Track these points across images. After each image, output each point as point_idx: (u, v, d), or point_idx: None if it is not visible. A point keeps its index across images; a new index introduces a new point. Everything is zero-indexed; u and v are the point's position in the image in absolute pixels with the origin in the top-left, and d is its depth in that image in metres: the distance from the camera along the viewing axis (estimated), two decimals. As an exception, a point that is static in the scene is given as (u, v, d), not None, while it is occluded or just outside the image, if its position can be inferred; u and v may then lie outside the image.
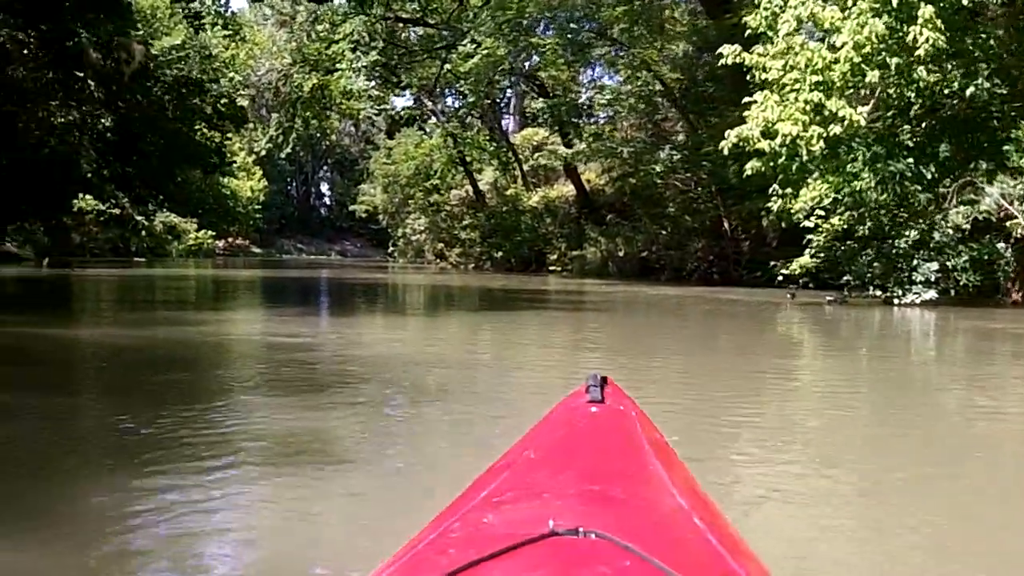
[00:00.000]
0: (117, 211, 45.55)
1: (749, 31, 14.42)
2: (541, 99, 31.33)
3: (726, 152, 13.21)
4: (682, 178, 25.94)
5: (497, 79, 33.58)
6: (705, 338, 11.13)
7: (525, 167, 40.14)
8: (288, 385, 5.65)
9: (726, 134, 13.16)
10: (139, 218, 52.30)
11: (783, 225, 14.96)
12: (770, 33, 14.29)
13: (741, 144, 12.88)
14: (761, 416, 5.36)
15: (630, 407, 1.76)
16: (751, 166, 13.44)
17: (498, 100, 43.49)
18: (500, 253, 35.78)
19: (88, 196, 40.09)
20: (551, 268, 32.42)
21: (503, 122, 45.00)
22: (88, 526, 2.83)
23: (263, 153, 65.30)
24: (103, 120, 22.13)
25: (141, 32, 23.72)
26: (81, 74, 17.56)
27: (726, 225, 23.36)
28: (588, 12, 23.60)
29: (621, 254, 29.25)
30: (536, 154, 40.37)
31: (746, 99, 13.63)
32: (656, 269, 26.74)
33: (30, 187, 29.00)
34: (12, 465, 3.54)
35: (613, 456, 1.53)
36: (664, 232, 26.40)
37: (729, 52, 13.32)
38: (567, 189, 36.83)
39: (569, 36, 25.11)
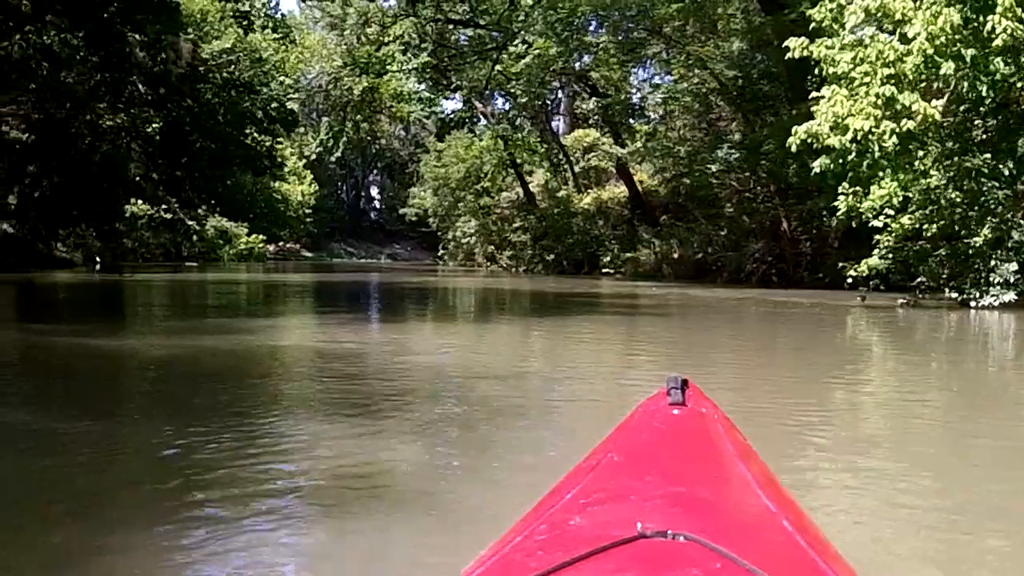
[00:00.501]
0: (168, 216, 46.12)
1: (813, 24, 13.81)
2: (593, 99, 30.72)
3: (794, 148, 12.62)
4: (738, 177, 25.27)
5: (548, 79, 33.16)
6: (774, 343, 10.60)
7: (576, 168, 39.70)
8: (339, 403, 5.23)
9: (793, 130, 12.59)
10: (190, 223, 52.95)
11: (853, 224, 14.29)
12: (835, 26, 13.69)
13: (810, 140, 12.29)
14: (834, 427, 5.03)
15: (712, 409, 1.75)
16: (819, 163, 12.85)
17: (548, 101, 43.11)
18: (552, 256, 35.32)
19: (140, 201, 40.61)
20: (604, 271, 31.89)
21: (553, 123, 44.60)
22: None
23: (313, 157, 65.77)
24: (152, 123, 22.00)
25: (191, 35, 23.64)
26: (128, 75, 17.39)
27: (785, 225, 22.66)
28: (642, 10, 23.01)
29: (675, 256, 28.67)
30: (587, 155, 39.91)
31: (813, 94, 13.04)
32: (712, 271, 26.08)
33: (82, 193, 29.22)
34: (48, 501, 3.20)
35: (697, 458, 1.54)
36: (720, 233, 25.75)
37: (796, 45, 12.72)
38: (619, 190, 36.30)
39: (622, 34, 24.55)
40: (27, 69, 16.81)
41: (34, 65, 16.73)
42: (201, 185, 26.55)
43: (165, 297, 18.61)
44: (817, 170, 12.92)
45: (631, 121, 33.86)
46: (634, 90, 35.98)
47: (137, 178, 24.20)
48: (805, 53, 12.53)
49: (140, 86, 18.36)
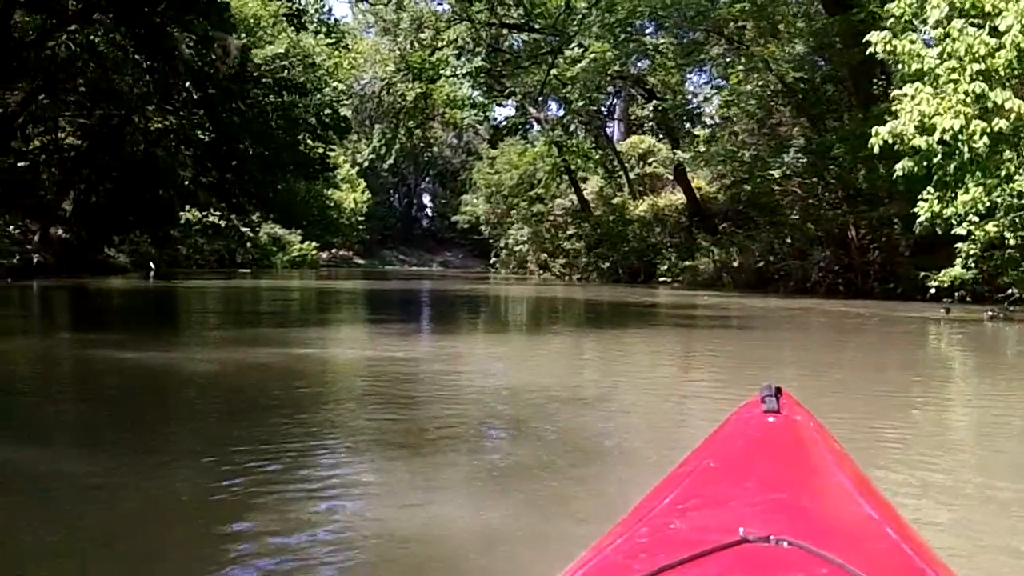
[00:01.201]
0: (222, 223, 46.27)
1: (889, 21, 12.96)
2: (653, 101, 29.92)
3: (876, 149, 11.79)
4: (803, 183, 24.34)
5: (604, 84, 32.47)
6: (856, 357, 9.81)
7: (631, 175, 38.95)
8: (388, 438, 4.51)
9: (874, 131, 11.75)
10: (244, 229, 53.14)
11: (938, 231, 13.37)
12: (915, 21, 12.87)
13: (893, 141, 11.47)
14: (943, 453, 4.47)
15: (807, 418, 1.73)
16: (902, 166, 12.00)
17: (603, 107, 42.43)
18: (606, 264, 34.53)
19: (194, 208, 40.68)
20: (661, 279, 31.05)
21: (608, 129, 43.91)
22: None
23: (366, 164, 65.87)
24: (202, 126, 21.61)
25: (244, 39, 23.37)
26: (176, 75, 17.00)
27: (852, 233, 21.69)
28: (701, 11, 22.18)
29: (735, 264, 27.78)
30: (643, 162, 39.13)
31: (895, 92, 12.21)
32: (774, 280, 25.15)
33: (137, 198, 29.14)
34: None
35: (796, 465, 1.52)
36: (783, 241, 24.82)
37: (879, 39, 11.88)
38: (675, 197, 35.46)
39: (682, 36, 23.74)
40: (74, 70, 16.54)
41: (80, 65, 16.45)
42: (251, 190, 26.19)
43: (216, 304, 18.26)
44: (899, 173, 12.07)
45: (688, 126, 33.04)
46: (691, 95, 35.18)
47: (186, 182, 23.84)
48: (888, 48, 11.64)
49: (187, 85, 17.93)
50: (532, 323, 15.09)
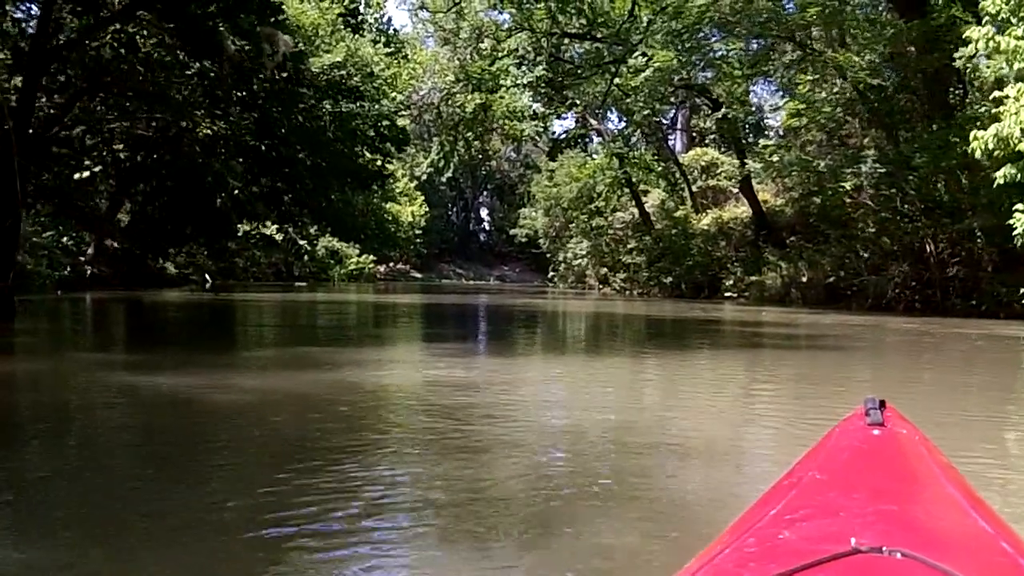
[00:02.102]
0: (279, 235, 46.23)
1: (986, 17, 12.06)
2: (721, 110, 28.99)
3: (978, 155, 10.89)
4: (877, 195, 23.27)
5: (667, 94, 31.63)
6: (948, 378, 8.92)
7: (694, 188, 38.02)
8: (445, 498, 3.63)
9: (974, 135, 10.86)
10: (302, 242, 53.14)
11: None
12: (1013, 20, 11.95)
13: (993, 147, 10.56)
14: None
15: (912, 431, 1.72)
16: (1003, 173, 11.08)
17: (664, 118, 41.59)
18: (669, 278, 33.58)
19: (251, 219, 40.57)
20: (726, 294, 30.06)
21: (669, 141, 43.03)
22: None
23: (424, 177, 65.75)
24: (251, 133, 21.00)
25: (301, 46, 22.98)
26: (222, 75, 16.43)
27: (931, 247, 20.58)
28: (771, 16, 21.22)
29: (804, 279, 26.73)
30: (706, 175, 38.20)
31: (996, 93, 11.29)
32: (846, 296, 24.08)
33: (195, 209, 28.93)
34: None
35: (904, 477, 1.51)
36: (856, 255, 23.73)
37: (980, 35, 10.99)
38: (740, 210, 34.46)
39: (753, 43, 22.79)
40: (119, 71, 16.17)
41: (126, 67, 16.08)
42: (304, 200, 25.66)
43: (269, 319, 17.80)
44: (1000, 180, 11.14)
45: (754, 137, 32.12)
46: (757, 106, 34.24)
47: (236, 191, 23.35)
48: (992, 46, 10.74)
49: (234, 85, 17.37)
50: (593, 341, 14.30)
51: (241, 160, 22.68)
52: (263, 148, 21.49)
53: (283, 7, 15.75)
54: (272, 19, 15.04)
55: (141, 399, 6.05)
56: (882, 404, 1.72)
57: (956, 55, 21.38)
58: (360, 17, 20.34)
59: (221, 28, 14.35)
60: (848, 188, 23.88)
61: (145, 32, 15.77)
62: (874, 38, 21.37)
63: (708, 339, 13.73)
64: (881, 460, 1.58)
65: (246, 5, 14.02)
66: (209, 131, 20.18)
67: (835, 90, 22.38)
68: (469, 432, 4.93)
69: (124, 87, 16.95)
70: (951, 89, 23.08)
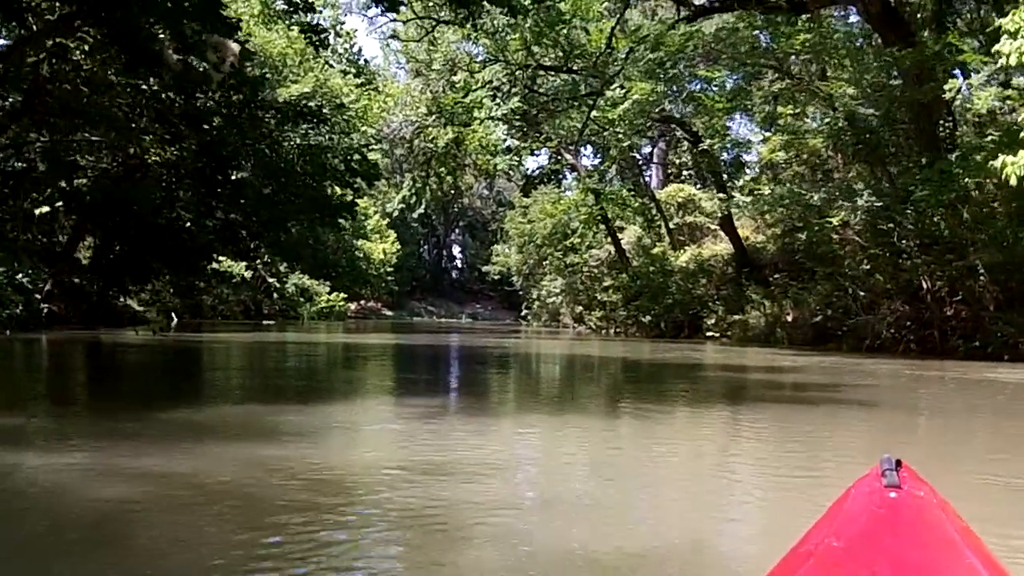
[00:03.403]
0: (247, 273, 44.78)
1: (1005, 35, 11.20)
2: (704, 142, 28.19)
3: (1013, 181, 9.95)
4: (864, 230, 22.47)
5: (645, 127, 30.82)
6: (964, 429, 7.86)
7: (671, 224, 37.25)
8: None
9: (1001, 162, 9.92)
10: (271, 280, 51.71)
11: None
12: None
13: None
14: None
15: (930, 493, 1.69)
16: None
17: (639, 154, 40.90)
18: (648, 317, 32.57)
19: (221, 257, 39.19)
20: (708, 334, 29.08)
21: (646, 175, 42.34)
22: None
23: (395, 214, 64.79)
24: (196, 156, 19.27)
25: (269, 79, 21.90)
26: (162, 89, 15.07)
27: (927, 284, 19.71)
28: (756, 46, 20.41)
29: (790, 318, 25.84)
30: (682, 211, 37.47)
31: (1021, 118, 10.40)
32: (835, 336, 23.17)
33: (159, 244, 27.52)
34: None
35: (924, 547, 1.49)
36: (845, 293, 22.86)
37: (1011, 49, 10.09)
38: (720, 247, 33.68)
39: (733, 73, 21.94)
40: (56, 88, 14.80)
41: (67, 86, 14.73)
42: (259, 233, 24.21)
43: (224, 364, 16.44)
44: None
45: (735, 171, 31.39)
46: (735, 140, 33.57)
47: (187, 223, 21.89)
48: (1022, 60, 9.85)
49: (172, 96, 15.91)
50: (567, 391, 13.01)
51: (190, 188, 21.11)
52: (211, 172, 19.87)
53: (223, 3, 14.16)
54: (212, 17, 13.56)
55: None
56: (898, 464, 1.69)
57: (947, 86, 20.85)
58: (323, 35, 19.07)
59: (160, 36, 13.06)
60: (835, 224, 23.08)
61: (81, 46, 14.40)
62: (861, 67, 20.63)
63: (690, 386, 12.60)
64: (900, 526, 1.53)
65: (188, 9, 12.63)
66: (157, 156, 18.70)
67: (825, 121, 21.57)
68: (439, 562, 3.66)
69: (64, 107, 15.45)
70: (940, 122, 22.44)
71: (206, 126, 17.88)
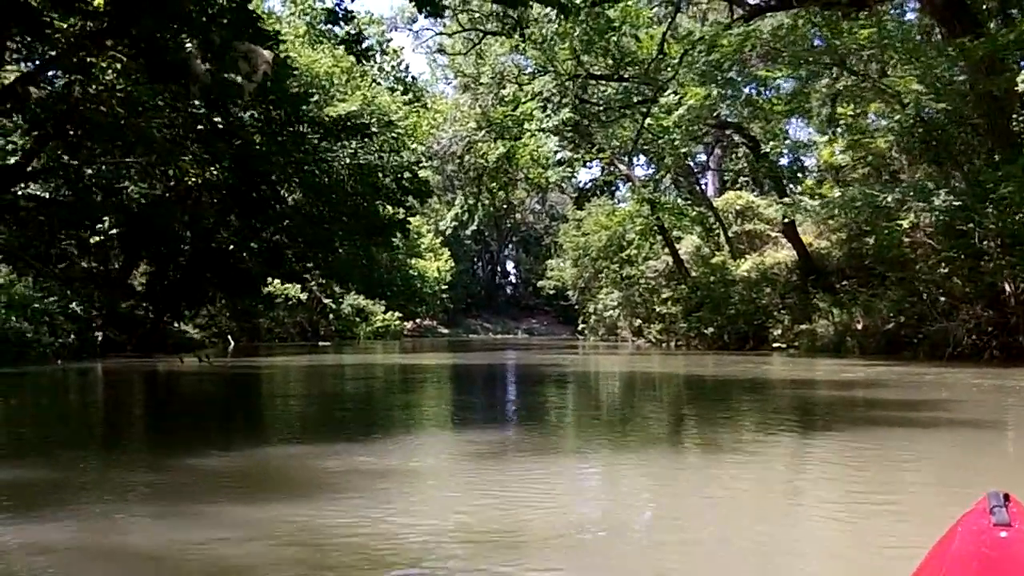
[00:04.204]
0: (303, 295, 44.61)
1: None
2: (763, 148, 27.24)
3: None
4: (939, 232, 21.32)
5: (701, 133, 29.92)
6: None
7: (730, 232, 36.18)
8: None
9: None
10: (327, 301, 51.60)
11: None
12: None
13: None
14: None
15: None
16: None
17: (694, 161, 39.94)
18: (711, 329, 31.52)
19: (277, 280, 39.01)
20: (775, 345, 27.98)
21: (703, 183, 41.34)
22: None
23: (448, 231, 64.52)
24: (231, 173, 18.56)
25: (316, 98, 21.46)
26: (188, 99, 14.42)
27: (1009, 288, 18.55)
28: (821, 41, 19.41)
29: (860, 327, 24.70)
30: (742, 219, 36.37)
31: None
32: (910, 344, 22.03)
33: (215, 268, 27.23)
34: None
35: None
36: (920, 299, 21.72)
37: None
38: (782, 255, 32.53)
39: (798, 68, 20.96)
40: (94, 113, 14.34)
41: (101, 107, 14.30)
42: (307, 254, 23.73)
43: (270, 393, 15.88)
44: None
45: (795, 176, 30.35)
46: (793, 144, 32.51)
47: (230, 246, 21.49)
48: None
49: (202, 109, 15.25)
50: (631, 417, 12.06)
51: (229, 210, 20.58)
52: (248, 191, 19.23)
53: (259, 16, 13.54)
54: (249, 31, 13.02)
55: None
56: (1006, 498, 1.58)
57: (1020, 78, 19.65)
58: (366, 47, 18.49)
59: (188, 46, 12.56)
60: (906, 226, 21.96)
61: (113, 65, 13.95)
62: (926, 62, 19.55)
63: (762, 408, 11.70)
64: (1013, 569, 1.42)
65: (217, 17, 12.03)
66: (196, 178, 18.21)
67: (895, 118, 20.50)
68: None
69: (97, 128, 14.97)
70: (1014, 116, 21.24)
71: (239, 141, 17.23)
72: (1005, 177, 16.47)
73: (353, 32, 16.00)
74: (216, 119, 15.85)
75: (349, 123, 20.95)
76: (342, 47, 21.30)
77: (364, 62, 19.56)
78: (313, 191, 20.89)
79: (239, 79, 13.04)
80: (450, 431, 9.26)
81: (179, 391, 15.68)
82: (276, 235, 21.93)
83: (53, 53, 13.14)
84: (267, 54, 13.37)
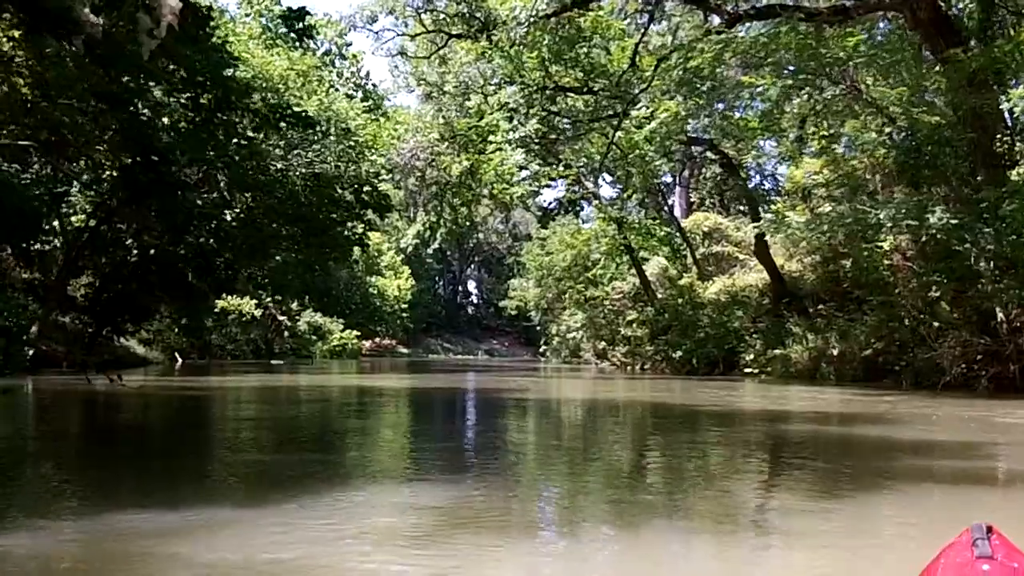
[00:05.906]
0: (257, 311, 42.93)
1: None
2: (735, 165, 26.27)
3: None
4: (918, 254, 20.44)
5: (672, 151, 28.90)
6: None
7: (697, 254, 35.23)
8: None
9: None
10: (282, 318, 49.85)
11: None
12: None
13: None
14: None
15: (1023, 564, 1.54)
16: None
17: (662, 181, 38.98)
18: (679, 353, 30.39)
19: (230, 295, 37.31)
20: (746, 370, 26.89)
21: (670, 203, 40.41)
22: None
23: (409, 249, 63.22)
24: (123, 149, 16.41)
25: (265, 97, 19.95)
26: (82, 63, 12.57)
27: (1001, 314, 17.61)
28: (802, 50, 18.35)
29: (836, 352, 23.69)
30: (709, 240, 35.45)
31: None
32: (890, 371, 21.05)
33: (163, 278, 25.51)
34: None
35: None
36: (901, 324, 20.77)
37: None
38: (752, 277, 31.60)
39: (783, 76, 19.94)
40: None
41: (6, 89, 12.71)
42: (236, 263, 22.06)
43: (207, 418, 14.39)
44: None
45: (767, 196, 29.48)
46: (770, 155, 31.76)
47: (151, 251, 19.77)
48: None
49: (90, 67, 13.33)
50: (602, 453, 10.97)
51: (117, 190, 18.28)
52: (140, 171, 16.71)
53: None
54: None
55: None
56: (989, 530, 1.57)
57: (1012, 93, 18.86)
58: (306, 24, 17.04)
59: None
60: (886, 248, 21.05)
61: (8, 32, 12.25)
62: (916, 76, 18.67)
63: (741, 450, 10.55)
64: None
65: None
66: (110, 169, 16.18)
67: (888, 131, 19.57)
68: None
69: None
70: (998, 136, 20.46)
71: (132, 109, 15.16)
72: (1009, 194, 15.51)
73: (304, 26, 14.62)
74: (106, 81, 13.80)
75: (288, 111, 19.24)
76: (298, 52, 20.08)
77: (308, 40, 18.13)
78: (244, 189, 19.10)
79: (139, 35, 11.44)
80: (404, 480, 7.80)
81: (93, 418, 14.08)
82: (201, 238, 20.03)
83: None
84: (174, 3, 11.63)
